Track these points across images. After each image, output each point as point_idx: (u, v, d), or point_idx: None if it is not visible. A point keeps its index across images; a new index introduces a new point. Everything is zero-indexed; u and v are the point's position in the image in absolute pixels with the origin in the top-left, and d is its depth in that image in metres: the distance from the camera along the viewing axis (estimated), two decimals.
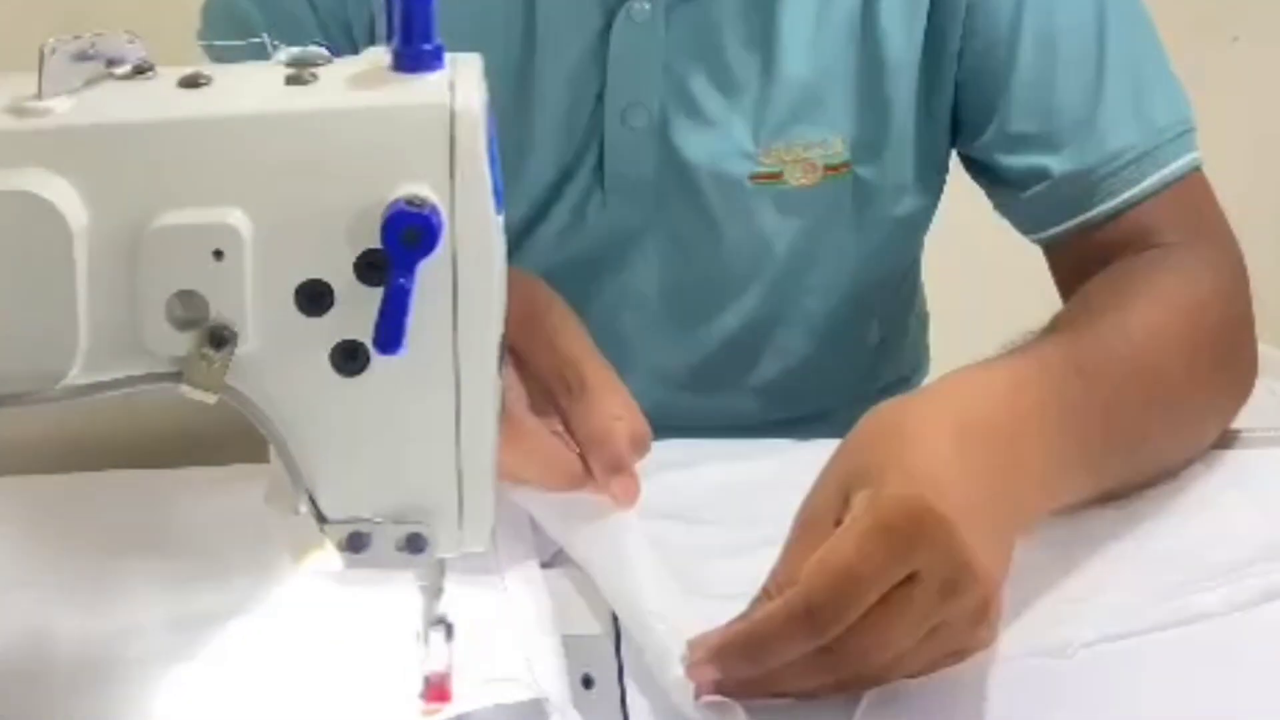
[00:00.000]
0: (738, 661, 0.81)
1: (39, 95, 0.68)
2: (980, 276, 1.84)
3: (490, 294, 0.71)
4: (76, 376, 0.69)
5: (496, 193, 0.70)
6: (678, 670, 0.82)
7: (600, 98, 1.10)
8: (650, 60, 1.09)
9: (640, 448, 0.93)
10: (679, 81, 1.10)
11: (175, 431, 1.03)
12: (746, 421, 1.18)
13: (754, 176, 1.11)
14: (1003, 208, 1.16)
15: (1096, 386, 0.94)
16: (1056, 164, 1.10)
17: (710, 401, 1.18)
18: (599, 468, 0.92)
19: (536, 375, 0.93)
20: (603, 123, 1.10)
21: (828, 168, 1.12)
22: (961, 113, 1.14)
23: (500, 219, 0.71)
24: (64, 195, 0.67)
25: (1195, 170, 1.12)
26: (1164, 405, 0.99)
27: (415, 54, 0.70)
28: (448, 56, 0.71)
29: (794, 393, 1.20)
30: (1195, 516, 0.98)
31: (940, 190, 1.19)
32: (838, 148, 1.12)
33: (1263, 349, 1.08)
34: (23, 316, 0.68)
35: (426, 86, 0.70)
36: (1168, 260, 1.08)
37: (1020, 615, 0.88)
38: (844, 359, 1.21)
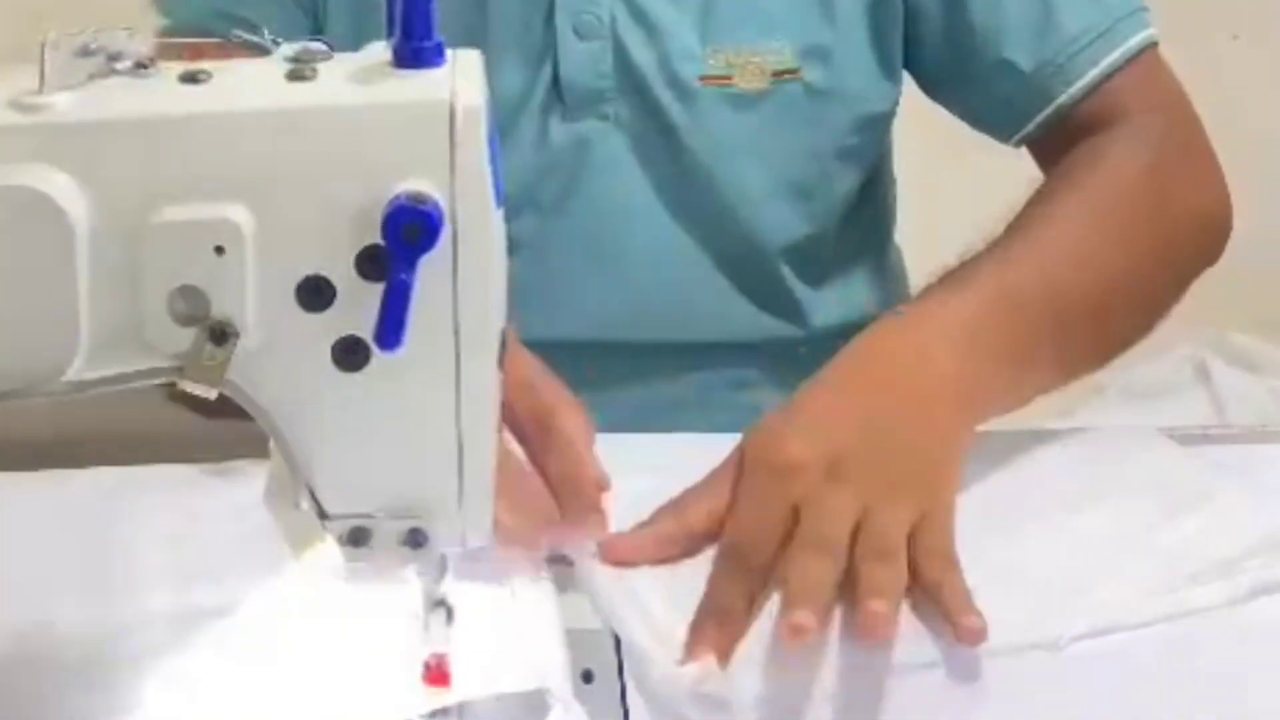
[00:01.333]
0: (715, 632, 0.84)
1: (40, 90, 0.69)
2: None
3: (491, 289, 0.71)
4: (78, 371, 0.69)
5: (497, 188, 0.71)
6: (666, 666, 0.82)
7: (550, 10, 1.12)
8: None
9: (604, 490, 0.94)
10: None
11: (176, 427, 1.03)
12: (734, 331, 1.19)
13: (703, 78, 1.14)
14: (977, 117, 1.19)
15: (1014, 313, 0.99)
16: (1022, 57, 1.13)
17: (697, 304, 1.20)
18: (574, 506, 0.93)
19: (510, 416, 0.92)
20: (556, 35, 1.13)
21: (775, 73, 1.14)
22: (918, 15, 1.16)
23: (501, 214, 0.72)
24: (65, 190, 0.67)
25: (1152, 45, 1.15)
26: (1084, 309, 1.03)
27: (416, 50, 0.70)
28: (449, 53, 0.71)
29: (774, 296, 1.22)
30: (1191, 511, 0.97)
31: (896, 95, 1.20)
32: (785, 53, 1.14)
33: (1257, 345, 1.09)
34: (24, 312, 0.68)
35: (427, 83, 0.70)
36: (1100, 147, 1.12)
37: (1011, 609, 0.87)
38: (812, 265, 1.23)
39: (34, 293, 0.68)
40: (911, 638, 0.86)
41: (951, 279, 1.02)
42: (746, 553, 0.87)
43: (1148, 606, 0.89)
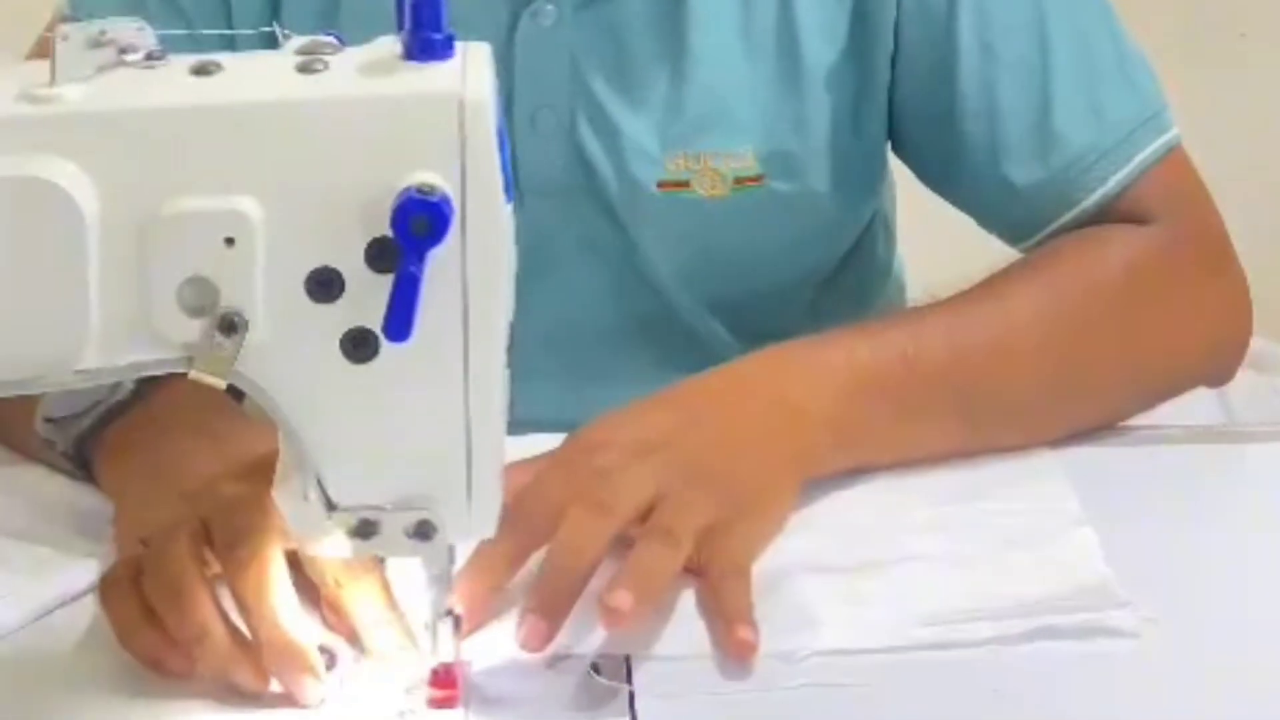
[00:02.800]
0: (478, 586, 0.85)
1: (51, 82, 0.69)
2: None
3: (499, 282, 0.71)
4: (87, 361, 0.69)
5: (506, 181, 0.71)
6: None
7: (509, 103, 1.09)
8: (556, 64, 1.09)
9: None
10: (585, 85, 1.10)
11: None
12: None
13: (661, 184, 1.11)
14: (982, 223, 1.15)
15: (911, 378, 0.99)
16: (1019, 175, 1.09)
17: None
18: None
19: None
20: (512, 127, 1.09)
21: (737, 180, 1.11)
22: (909, 126, 1.13)
23: (510, 208, 0.72)
24: (76, 181, 0.68)
25: (1168, 153, 1.10)
26: (999, 392, 1.02)
27: (425, 43, 0.70)
28: (458, 45, 0.71)
29: None
30: (1033, 546, 0.94)
31: (874, 195, 1.18)
32: (748, 160, 1.11)
33: (1264, 345, 1.09)
34: (34, 302, 0.68)
35: (437, 75, 0.70)
36: (1097, 235, 1.08)
37: (785, 614, 0.87)
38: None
39: (44, 283, 0.68)
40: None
41: (863, 329, 1.02)
42: (521, 514, 0.86)
43: (908, 634, 0.87)
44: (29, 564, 0.92)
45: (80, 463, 0.99)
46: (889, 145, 1.16)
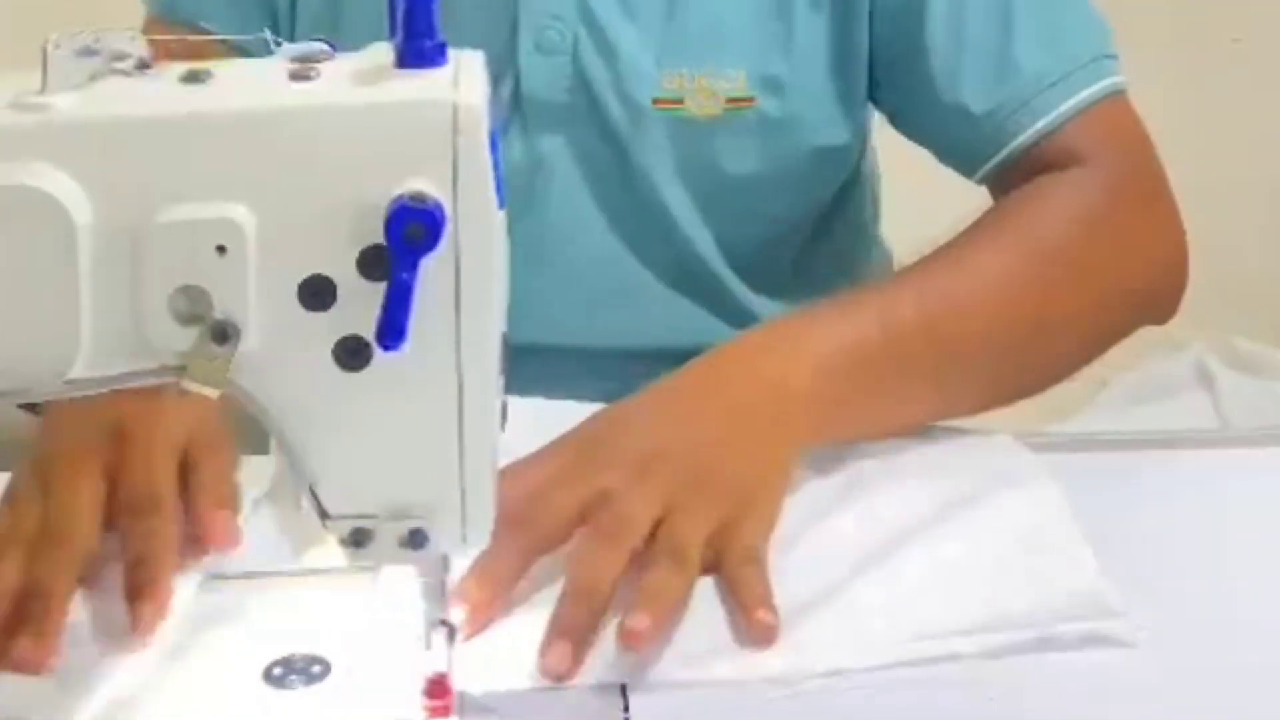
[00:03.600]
0: (484, 592, 0.87)
1: (43, 91, 0.69)
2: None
3: (492, 290, 0.71)
4: (79, 371, 0.69)
5: (499, 188, 0.71)
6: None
7: (514, 25, 1.13)
8: None
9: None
10: (585, 5, 1.13)
11: None
12: (685, 338, 1.17)
13: (656, 101, 1.14)
14: (938, 154, 1.18)
15: (888, 345, 1.02)
16: (974, 101, 1.13)
17: (645, 313, 1.20)
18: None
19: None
20: (517, 49, 1.13)
21: (729, 100, 1.14)
22: (880, 55, 1.16)
23: (503, 215, 0.72)
24: (68, 190, 0.67)
25: (1113, 94, 1.14)
26: (972, 350, 1.04)
27: (418, 50, 0.70)
28: (451, 52, 0.71)
29: (725, 306, 1.22)
30: (1031, 554, 0.94)
31: (860, 126, 1.20)
32: (740, 81, 1.14)
33: (1257, 350, 1.09)
34: (26, 311, 0.68)
35: (429, 83, 0.70)
36: (1042, 187, 1.11)
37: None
38: (768, 279, 1.23)
39: (36, 292, 0.68)
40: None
41: (837, 302, 1.04)
42: (528, 523, 0.89)
43: (904, 650, 0.87)
44: None
45: None
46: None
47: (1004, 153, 1.13)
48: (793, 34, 1.14)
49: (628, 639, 0.85)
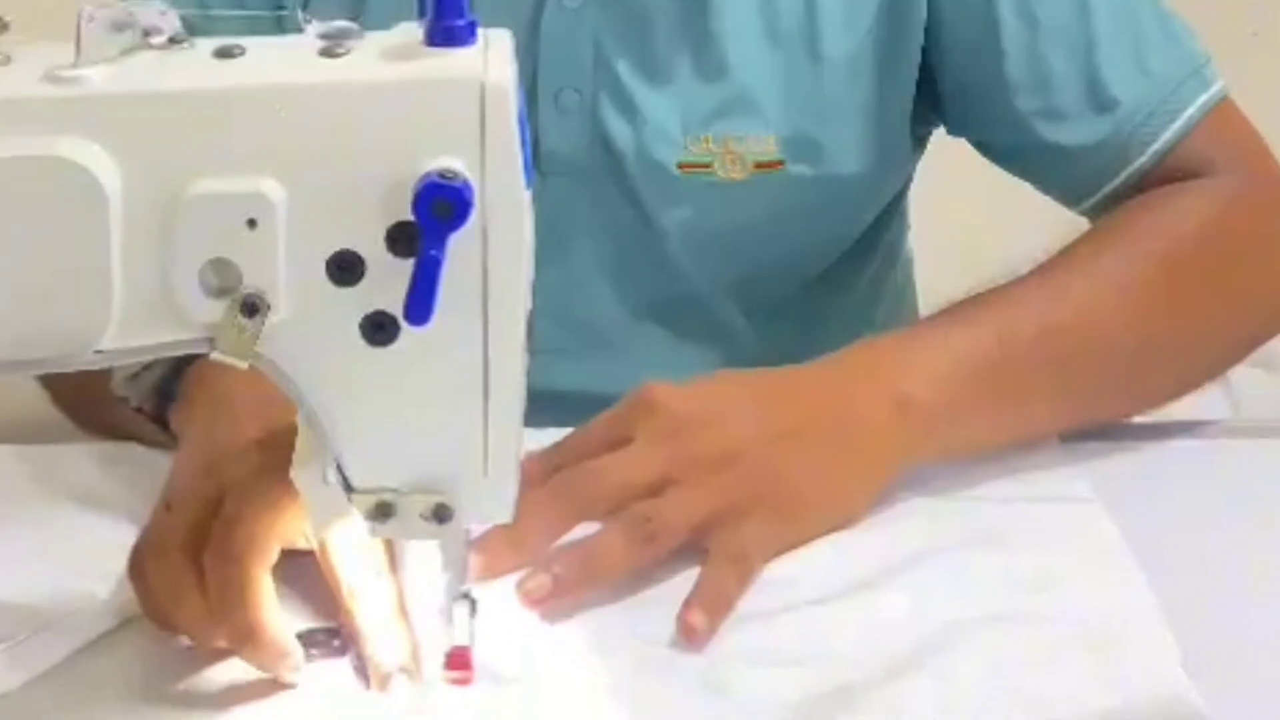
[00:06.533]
0: (508, 552, 0.87)
1: (76, 64, 0.69)
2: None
3: (519, 267, 0.71)
4: (109, 341, 0.70)
5: (526, 166, 0.71)
6: None
7: (534, 83, 1.11)
8: (581, 45, 1.11)
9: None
10: (608, 67, 1.11)
11: None
12: None
13: (682, 165, 1.12)
14: (1039, 187, 1.16)
15: (1008, 357, 0.99)
16: (1074, 139, 1.10)
17: (665, 371, 1.18)
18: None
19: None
20: (536, 108, 1.11)
21: (757, 164, 1.12)
22: (959, 98, 1.13)
23: (529, 194, 0.72)
24: (100, 162, 0.68)
25: (1217, 104, 1.12)
26: (1094, 361, 1.02)
27: (448, 29, 0.71)
28: (479, 31, 0.72)
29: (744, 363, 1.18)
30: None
31: (895, 180, 1.19)
32: (769, 145, 1.12)
33: (1272, 343, 1.09)
34: (57, 281, 0.69)
35: (459, 61, 0.70)
36: (1165, 197, 1.09)
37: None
38: (797, 328, 1.21)
39: (67, 263, 0.68)
40: None
41: (952, 313, 1.02)
42: (575, 488, 0.90)
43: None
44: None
45: (157, 416, 1.00)
46: (944, 128, 1.17)
47: (1113, 185, 1.11)
48: (826, 94, 1.12)
49: (686, 635, 0.84)
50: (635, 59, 1.11)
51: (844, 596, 0.88)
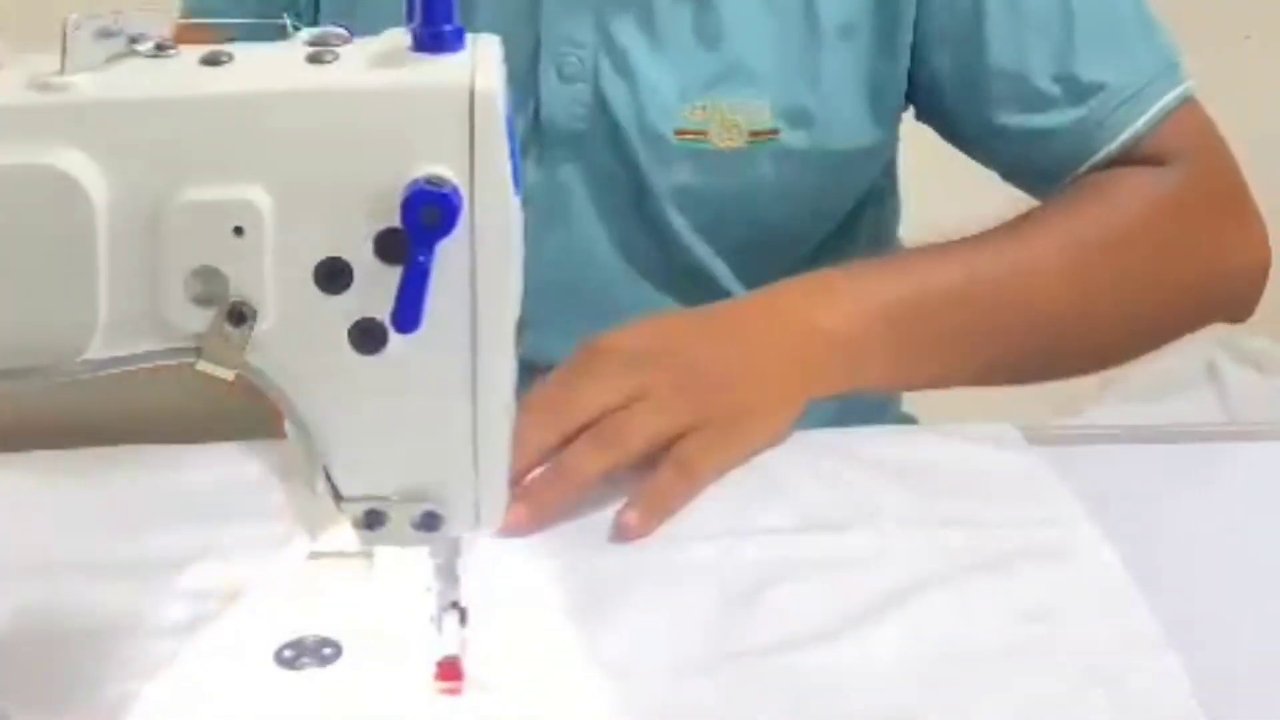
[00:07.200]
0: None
1: (62, 71, 0.69)
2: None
3: (508, 274, 0.71)
4: (96, 351, 0.69)
5: (515, 174, 0.71)
6: None
7: (536, 50, 1.13)
8: (582, 13, 1.13)
9: None
10: (609, 35, 1.13)
11: (186, 406, 1.03)
12: None
13: (679, 132, 1.14)
14: (1003, 174, 1.18)
15: (926, 305, 1.04)
16: (1044, 123, 1.13)
17: None
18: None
19: None
20: (538, 76, 1.13)
21: (753, 132, 1.14)
22: (935, 81, 1.15)
23: (518, 200, 0.72)
24: (86, 170, 0.68)
25: (1185, 101, 1.14)
26: (1018, 323, 1.06)
27: (436, 34, 0.70)
28: (468, 37, 0.71)
29: None
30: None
31: (888, 146, 1.20)
32: (764, 113, 1.14)
33: (1265, 345, 1.09)
34: (43, 291, 0.68)
35: (447, 67, 0.70)
36: (1115, 178, 1.12)
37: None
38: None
39: (53, 272, 0.68)
40: None
41: (883, 260, 1.08)
42: (557, 406, 0.95)
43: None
44: None
45: None
46: (911, 110, 1.19)
47: (1077, 170, 1.13)
48: (821, 65, 1.13)
49: (620, 531, 0.91)
50: (635, 27, 1.13)
51: (840, 633, 0.85)
